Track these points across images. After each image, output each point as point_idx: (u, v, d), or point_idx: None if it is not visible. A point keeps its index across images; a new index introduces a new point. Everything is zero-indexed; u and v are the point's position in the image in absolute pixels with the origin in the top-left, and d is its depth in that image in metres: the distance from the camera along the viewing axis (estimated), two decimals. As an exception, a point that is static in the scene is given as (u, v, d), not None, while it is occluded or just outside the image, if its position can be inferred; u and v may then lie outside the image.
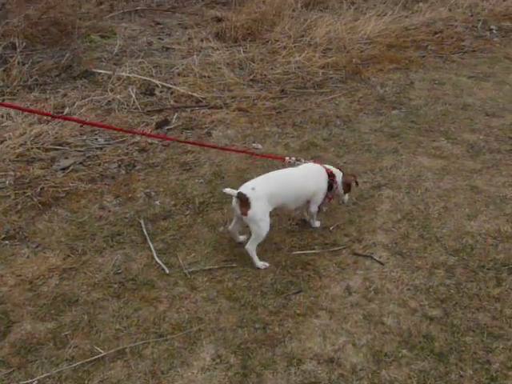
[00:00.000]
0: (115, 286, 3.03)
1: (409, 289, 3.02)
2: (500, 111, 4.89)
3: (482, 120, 4.76)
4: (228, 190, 3.16)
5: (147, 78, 5.19)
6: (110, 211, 3.64)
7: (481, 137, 4.50)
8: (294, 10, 7.10)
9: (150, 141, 4.34)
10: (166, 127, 4.57)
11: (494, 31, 6.95)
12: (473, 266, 3.19)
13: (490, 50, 6.36)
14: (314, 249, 3.32)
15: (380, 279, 3.09)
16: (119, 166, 4.08)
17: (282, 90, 5.24)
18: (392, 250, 3.32)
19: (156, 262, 3.20)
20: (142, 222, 3.52)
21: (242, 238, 3.35)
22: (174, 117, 4.72)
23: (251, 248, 3.17)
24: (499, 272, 3.14)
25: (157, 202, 3.70)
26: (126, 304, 2.91)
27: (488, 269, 3.17)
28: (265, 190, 3.17)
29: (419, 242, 3.37)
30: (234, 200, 3.17)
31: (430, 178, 3.97)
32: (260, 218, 3.13)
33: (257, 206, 3.11)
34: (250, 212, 3.11)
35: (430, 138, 4.46)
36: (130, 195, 3.78)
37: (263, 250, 3.28)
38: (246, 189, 3.15)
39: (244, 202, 3.11)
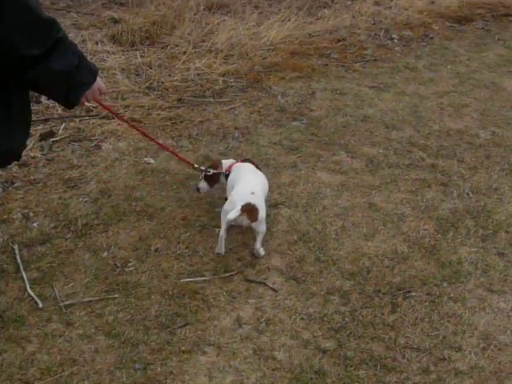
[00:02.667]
0: (-22, 324, 2.70)
1: (302, 318, 2.88)
2: (399, 123, 4.85)
3: (382, 132, 4.70)
4: (231, 215, 3.01)
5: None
6: (-20, 236, 3.29)
7: (380, 150, 4.43)
8: (195, 14, 6.83)
9: (32, 154, 3.99)
10: (51, 139, 4.21)
11: (395, 40, 6.97)
12: (369, 290, 3.08)
13: (391, 59, 6.34)
14: (203, 275, 3.11)
15: (273, 308, 2.92)
16: (-4, 183, 3.71)
17: (180, 99, 4.99)
18: (287, 274, 3.16)
19: (28, 294, 2.88)
20: (15, 247, 3.19)
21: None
22: (61, 128, 4.38)
23: (261, 246, 3.21)
24: (394, 297, 3.05)
25: (35, 225, 3.38)
26: (-10, 346, 2.60)
27: (384, 293, 3.07)
28: (260, 189, 3.29)
29: (315, 266, 3.23)
30: (236, 215, 3.00)
31: (329, 194, 3.85)
32: (265, 216, 3.13)
33: (262, 207, 3.10)
34: (259, 216, 3.10)
35: (329, 152, 4.34)
36: (4, 216, 3.44)
37: (150, 277, 3.04)
38: (247, 197, 3.11)
39: (252, 209, 3.03)
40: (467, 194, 4.00)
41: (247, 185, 3.28)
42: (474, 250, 3.45)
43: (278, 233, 3.45)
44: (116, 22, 6.32)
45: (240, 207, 3.03)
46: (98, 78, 2.35)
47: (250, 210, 3.08)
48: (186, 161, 3.65)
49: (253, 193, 3.17)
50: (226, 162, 3.59)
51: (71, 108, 2.45)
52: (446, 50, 6.79)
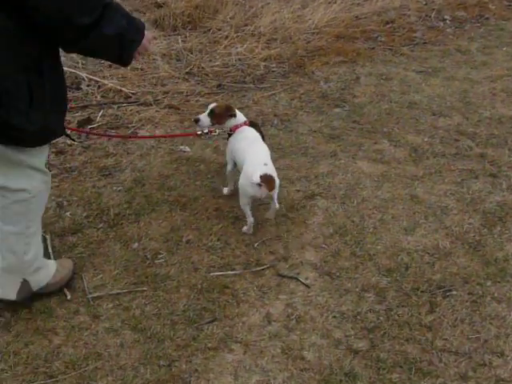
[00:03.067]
0: (7, 315, 2.69)
1: (334, 316, 2.76)
2: (447, 110, 4.64)
3: (428, 120, 4.50)
4: (254, 179, 3.03)
5: (73, 71, 4.78)
6: (14, 224, 3.27)
7: (425, 139, 4.24)
8: (240, -4, 6.72)
9: (68, 142, 3.97)
10: (89, 126, 4.19)
11: (447, 21, 6.69)
12: (406, 288, 2.93)
13: (441, 41, 6.09)
14: (234, 269, 3.02)
15: (304, 305, 2.81)
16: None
17: (219, 85, 4.91)
18: (320, 269, 3.04)
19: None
20: (47, 237, 3.17)
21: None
22: (99, 114, 4.35)
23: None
24: (433, 295, 2.89)
25: (67, 214, 3.36)
26: (17, 337, 2.59)
27: (422, 291, 2.92)
28: (269, 158, 3.25)
29: (351, 261, 3.09)
30: (253, 187, 3.06)
31: (369, 185, 3.70)
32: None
33: (276, 174, 3.11)
34: (276, 184, 3.12)
35: (371, 140, 4.18)
36: (39, 205, 3.41)
37: (179, 270, 2.98)
38: (263, 169, 3.09)
39: (269, 180, 3.07)
40: (517, 186, 3.78)
41: (258, 157, 3.21)
42: (522, 246, 3.25)
43: (313, 225, 3.33)
44: (159, 6, 6.26)
45: (259, 178, 3.02)
46: (146, 32, 2.40)
47: (268, 180, 3.05)
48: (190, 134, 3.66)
49: (266, 164, 3.15)
50: (239, 117, 3.46)
51: (127, 65, 2.52)
52: (502, 31, 6.48)
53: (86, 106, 4.45)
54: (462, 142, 4.24)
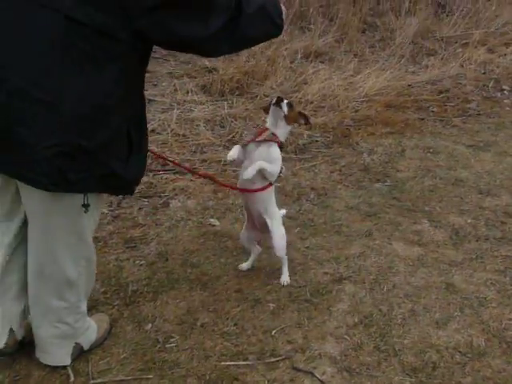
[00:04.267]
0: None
1: (348, 421, 2.54)
2: (496, 189, 4.40)
3: (474, 199, 4.27)
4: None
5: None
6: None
7: (469, 220, 4.01)
8: (292, 62, 6.71)
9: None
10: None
11: (505, 92, 6.47)
12: (431, 392, 2.69)
13: (497, 113, 5.86)
14: (247, 359, 2.85)
15: (317, 405, 2.61)
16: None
17: (260, 154, 4.81)
18: (340, 364, 2.84)
19: (63, 367, 2.77)
20: (63, 313, 3.10)
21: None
22: (134, 181, 4.31)
23: None
24: (461, 403, 2.64)
25: (87, 287, 3.28)
26: (12, 424, 2.50)
27: (449, 397, 2.66)
28: None
29: (373, 356, 2.88)
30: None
31: (402, 270, 3.49)
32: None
33: None
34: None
35: (410, 220, 3.98)
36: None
37: (190, 356, 2.84)
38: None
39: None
40: None
41: None
42: None
43: (337, 313, 3.15)
44: (209, 71, 6.30)
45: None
46: None
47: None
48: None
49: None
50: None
51: (281, 31, 2.48)
52: None
53: (122, 173, 4.42)
54: (509, 224, 3.99)
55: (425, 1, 8.67)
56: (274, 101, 3.11)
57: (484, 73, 6.96)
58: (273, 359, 2.85)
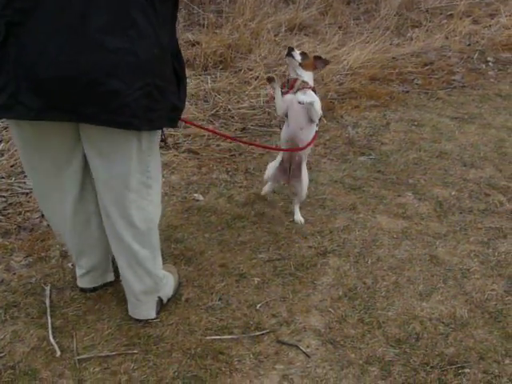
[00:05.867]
0: (-12, 376, 2.60)
1: (333, 392, 2.56)
2: (479, 161, 4.40)
3: (458, 171, 4.27)
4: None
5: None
6: (14, 274, 3.22)
7: (453, 192, 4.02)
8: (276, 35, 6.65)
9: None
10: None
11: (490, 63, 6.44)
12: (415, 362, 2.72)
13: (481, 85, 5.85)
14: (232, 333, 2.86)
15: (301, 377, 2.63)
16: (42, 215, 3.65)
17: (244, 128, 4.80)
18: (324, 336, 2.85)
19: (47, 343, 2.76)
20: (47, 288, 3.09)
21: None
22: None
23: None
24: (444, 372, 2.67)
25: (69, 265, 3.27)
26: (-4, 402, 2.49)
27: (432, 367, 2.70)
28: None
29: (357, 328, 2.90)
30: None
31: (386, 243, 3.50)
32: None
33: None
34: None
35: (395, 193, 3.99)
36: (42, 254, 3.36)
37: (175, 331, 2.84)
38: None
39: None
40: (550, 248, 3.51)
41: None
42: (549, 319, 2.98)
43: (321, 286, 3.16)
44: (192, 45, 6.22)
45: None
46: None
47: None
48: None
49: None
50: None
51: None
52: (548, 74, 6.19)
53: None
54: (493, 196, 4.00)
55: (410, -28, 8.57)
56: (286, 51, 3.32)
57: (469, 44, 6.94)
58: (257, 333, 2.86)
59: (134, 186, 2.49)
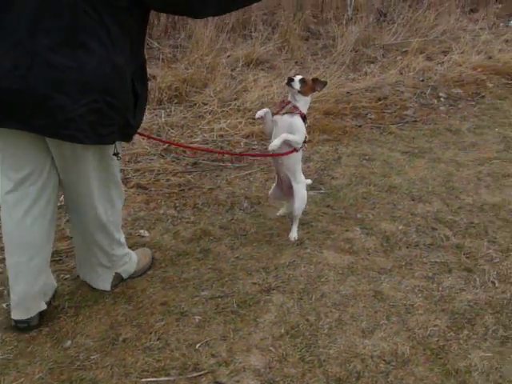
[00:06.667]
0: None
1: None
2: (427, 195, 4.44)
3: (406, 205, 4.30)
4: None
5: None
6: None
7: (400, 226, 4.03)
8: (233, 69, 6.68)
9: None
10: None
11: (442, 99, 6.56)
12: (354, 402, 2.67)
13: (433, 120, 5.94)
14: (169, 374, 2.79)
15: (238, 420, 2.56)
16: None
17: (195, 163, 4.77)
18: (264, 377, 2.80)
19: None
20: (-19, 334, 2.99)
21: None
22: (64, 193, 4.20)
23: None
24: (382, 413, 2.62)
25: (3, 305, 3.18)
26: None
27: (371, 406, 2.65)
28: None
29: (298, 367, 2.85)
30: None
31: (331, 279, 3.48)
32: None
33: None
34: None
35: (343, 227, 3.98)
36: (-22, 293, 3.25)
37: (109, 374, 2.76)
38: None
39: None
40: (492, 282, 3.53)
41: None
42: (489, 355, 2.98)
43: (264, 324, 3.11)
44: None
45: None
46: None
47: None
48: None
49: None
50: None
51: None
52: (497, 110, 6.33)
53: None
54: (439, 230, 4.02)
55: (367, 9, 8.75)
56: (286, 81, 3.51)
57: (422, 80, 7.06)
58: (195, 374, 2.79)
59: (96, 188, 2.80)
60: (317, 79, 3.67)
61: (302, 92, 3.53)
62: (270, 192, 3.94)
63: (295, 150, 3.57)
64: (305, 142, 3.64)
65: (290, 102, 3.57)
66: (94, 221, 2.94)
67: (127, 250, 3.31)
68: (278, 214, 4.05)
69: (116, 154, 2.70)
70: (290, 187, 3.71)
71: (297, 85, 3.50)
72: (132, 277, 3.35)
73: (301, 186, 3.72)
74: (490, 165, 5.00)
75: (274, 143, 3.44)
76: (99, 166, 2.74)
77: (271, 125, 3.59)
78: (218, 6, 2.58)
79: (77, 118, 2.35)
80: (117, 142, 2.68)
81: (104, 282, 3.22)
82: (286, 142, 3.49)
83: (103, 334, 2.99)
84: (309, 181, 3.99)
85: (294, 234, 3.81)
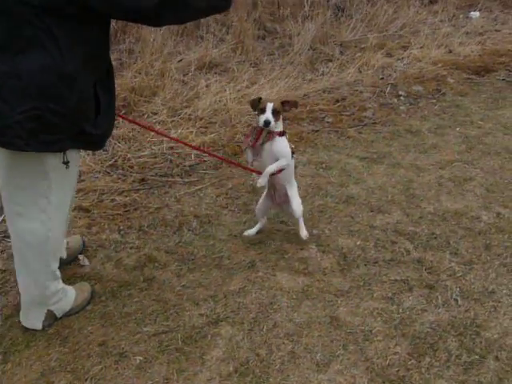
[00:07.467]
0: None
1: None
2: (387, 205, 4.23)
3: (365, 217, 4.09)
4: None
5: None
6: None
7: (358, 242, 3.82)
8: (185, 75, 6.40)
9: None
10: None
11: (401, 97, 6.36)
12: None
13: (392, 121, 5.74)
14: (105, 428, 2.54)
15: None
16: None
17: (142, 179, 4.50)
18: (209, 424, 2.56)
19: None
20: None
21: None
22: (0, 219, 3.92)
23: None
24: None
25: None
26: None
27: None
28: None
29: (247, 411, 2.62)
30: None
31: (284, 305, 3.26)
32: None
33: None
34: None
35: (297, 245, 3.76)
36: None
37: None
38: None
39: None
40: (455, 299, 3.35)
41: None
42: (452, 385, 2.78)
43: (211, 362, 2.88)
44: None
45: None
46: None
47: None
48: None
49: None
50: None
51: (229, 5, 2.57)
52: (458, 108, 6.16)
53: None
54: (400, 244, 3.82)
55: (324, 4, 8.53)
56: (263, 124, 3.33)
57: (382, 78, 6.86)
58: (133, 425, 2.54)
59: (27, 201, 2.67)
60: (287, 101, 3.45)
61: (276, 120, 3.38)
62: (257, 208, 3.83)
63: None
64: (293, 153, 3.55)
65: (261, 129, 3.40)
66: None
67: (62, 284, 3.06)
68: (247, 233, 3.85)
69: (65, 163, 2.59)
70: (286, 194, 3.65)
71: (271, 121, 3.34)
72: (68, 315, 3.11)
73: (294, 188, 3.69)
74: (452, 168, 4.82)
75: (261, 181, 3.44)
76: (44, 178, 2.65)
77: (251, 155, 3.51)
78: (175, 16, 2.47)
79: (14, 125, 2.31)
80: (69, 151, 2.59)
81: (34, 321, 3.01)
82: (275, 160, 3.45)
83: (33, 384, 2.72)
84: None
85: (304, 232, 3.74)
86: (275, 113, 3.34)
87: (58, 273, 3.01)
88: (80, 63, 2.37)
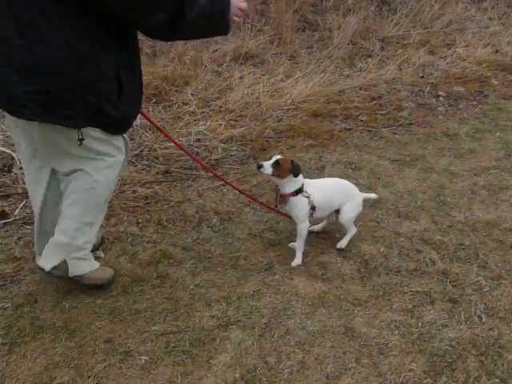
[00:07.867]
0: None
1: None
2: (415, 211, 4.08)
3: (391, 223, 3.95)
4: None
5: (8, 151, 4.38)
6: None
7: (382, 249, 3.68)
8: (220, 65, 6.31)
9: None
10: (3, 221, 3.74)
11: (441, 98, 6.15)
12: None
13: (429, 123, 5.55)
14: (103, 430, 2.48)
15: None
16: None
17: (166, 171, 4.44)
18: (210, 432, 2.48)
19: None
20: None
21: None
22: (20, 206, 3.90)
23: None
24: None
25: None
26: None
27: None
28: None
29: (250, 421, 2.53)
30: None
31: (299, 311, 3.15)
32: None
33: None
34: None
35: (318, 249, 3.65)
36: None
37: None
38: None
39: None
40: (479, 316, 3.18)
41: None
42: (468, 410, 2.64)
43: (217, 366, 2.79)
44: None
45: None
46: None
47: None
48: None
49: None
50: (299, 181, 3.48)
51: (227, 32, 2.71)
52: (500, 111, 5.91)
53: (8, 196, 4.00)
54: (425, 253, 3.67)
55: (368, -2, 8.32)
56: (256, 166, 3.33)
57: (422, 76, 6.64)
58: (132, 429, 2.48)
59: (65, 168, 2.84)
60: (294, 163, 3.40)
61: (277, 175, 3.33)
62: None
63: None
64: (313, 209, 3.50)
65: (277, 191, 3.46)
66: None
67: (90, 253, 3.15)
68: (315, 228, 3.81)
69: (80, 140, 2.66)
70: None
71: (268, 170, 3.29)
72: (76, 280, 3.13)
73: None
74: (487, 175, 4.62)
75: (296, 261, 3.51)
76: (71, 151, 2.80)
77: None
78: (175, 36, 2.77)
79: (22, 95, 2.46)
80: (85, 129, 2.66)
81: (47, 260, 3.05)
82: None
83: (35, 378, 2.70)
84: (373, 195, 3.89)
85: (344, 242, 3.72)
86: (277, 164, 3.28)
87: (94, 240, 3.14)
88: (94, 43, 2.49)
